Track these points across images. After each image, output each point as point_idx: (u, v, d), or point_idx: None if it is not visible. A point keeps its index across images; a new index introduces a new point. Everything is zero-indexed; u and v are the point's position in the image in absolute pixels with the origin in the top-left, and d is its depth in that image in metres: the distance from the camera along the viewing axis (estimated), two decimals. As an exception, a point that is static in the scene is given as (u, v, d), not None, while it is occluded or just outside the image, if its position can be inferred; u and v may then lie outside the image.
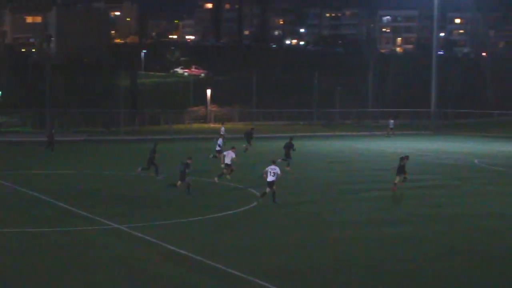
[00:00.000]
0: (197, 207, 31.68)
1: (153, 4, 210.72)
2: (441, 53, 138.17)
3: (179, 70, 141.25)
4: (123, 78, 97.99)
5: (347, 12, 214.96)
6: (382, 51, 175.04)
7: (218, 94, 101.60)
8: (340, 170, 47.29)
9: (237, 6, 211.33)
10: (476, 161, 54.60)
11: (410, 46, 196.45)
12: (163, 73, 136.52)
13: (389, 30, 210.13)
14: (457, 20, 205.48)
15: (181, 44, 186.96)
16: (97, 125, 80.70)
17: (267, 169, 32.39)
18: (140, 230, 26.35)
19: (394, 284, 20.38)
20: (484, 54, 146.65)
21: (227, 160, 39.70)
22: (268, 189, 32.46)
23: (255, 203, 32.58)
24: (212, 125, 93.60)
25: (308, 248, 24.41)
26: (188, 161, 35.16)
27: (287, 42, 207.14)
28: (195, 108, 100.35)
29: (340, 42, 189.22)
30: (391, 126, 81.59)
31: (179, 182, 34.80)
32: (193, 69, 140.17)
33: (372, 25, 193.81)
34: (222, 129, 62.38)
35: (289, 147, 46.31)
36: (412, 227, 28.38)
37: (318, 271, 21.37)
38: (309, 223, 28.78)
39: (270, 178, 32.23)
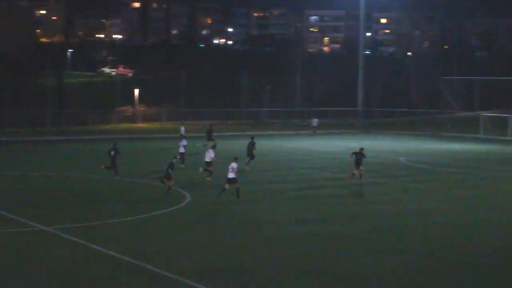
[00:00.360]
0: (127, 208, 31.49)
1: (80, 2, 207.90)
2: (367, 52, 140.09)
3: (106, 70, 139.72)
4: (50, 77, 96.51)
5: (275, 12, 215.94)
6: (310, 50, 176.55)
7: (146, 94, 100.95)
8: (268, 170, 47.53)
9: (164, 5, 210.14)
10: (402, 159, 55.58)
11: (337, 46, 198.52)
12: (90, 73, 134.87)
13: (316, 30, 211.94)
14: (383, 20, 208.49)
15: (109, 43, 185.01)
16: (23, 125, 79.24)
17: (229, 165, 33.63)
18: (68, 231, 26.05)
19: (316, 283, 20.58)
20: (409, 53, 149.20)
21: (207, 158, 40.15)
22: (227, 186, 33.52)
23: (184, 203, 32.60)
24: (140, 124, 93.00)
25: (237, 247, 24.50)
26: (174, 160, 35.72)
27: (215, 41, 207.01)
28: (123, 108, 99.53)
29: (268, 41, 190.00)
30: (315, 124, 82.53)
31: (170, 182, 34.84)
32: (120, 69, 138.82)
33: (299, 24, 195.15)
34: (182, 129, 62.52)
35: (251, 147, 47.40)
36: (338, 225, 28.73)
37: (245, 270, 21.49)
38: (239, 223, 28.90)
39: (230, 175, 33.31)
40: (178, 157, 46.55)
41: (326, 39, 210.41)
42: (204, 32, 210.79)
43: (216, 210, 31.54)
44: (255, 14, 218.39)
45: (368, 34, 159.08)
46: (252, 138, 49.07)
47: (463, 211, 32.71)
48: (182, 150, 47.91)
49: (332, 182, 41.78)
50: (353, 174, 41.16)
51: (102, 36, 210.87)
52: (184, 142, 48.69)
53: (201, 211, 31.30)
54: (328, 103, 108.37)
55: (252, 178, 42.91)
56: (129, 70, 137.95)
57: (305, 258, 23.06)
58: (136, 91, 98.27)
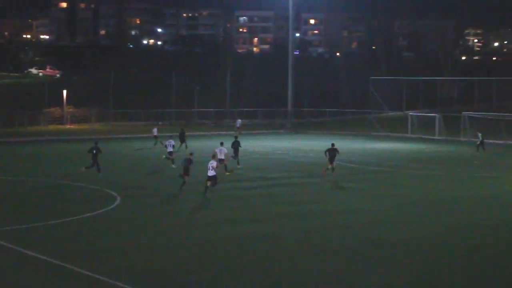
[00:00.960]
0: (57, 210, 30.94)
1: (5, 2, 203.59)
2: (296, 53, 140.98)
3: (33, 71, 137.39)
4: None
5: (204, 12, 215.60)
6: (240, 51, 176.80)
7: (74, 95, 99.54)
8: (199, 170, 47.29)
9: (92, 5, 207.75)
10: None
11: (266, 46, 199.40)
12: (16, 74, 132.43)
13: (246, 31, 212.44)
14: (312, 21, 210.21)
15: (36, 43, 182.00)
16: None
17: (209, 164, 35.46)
18: (-5, 236, 25.45)
19: (246, 282, 20.54)
20: (338, 54, 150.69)
21: (221, 156, 41.19)
22: (208, 183, 35.07)
23: (114, 205, 32.21)
24: (68, 126, 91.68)
25: (168, 248, 24.29)
26: (190, 157, 37.51)
27: (145, 42, 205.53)
28: (51, 109, 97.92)
29: (197, 42, 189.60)
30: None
31: (187, 177, 36.66)
32: (48, 70, 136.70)
33: (228, 25, 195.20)
34: (155, 130, 64.73)
35: (237, 146, 48.85)
36: (269, 225, 28.71)
37: (175, 271, 21.32)
38: (169, 224, 28.66)
39: (210, 173, 35.09)
40: (165, 156, 48.91)
41: (255, 39, 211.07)
42: (133, 32, 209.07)
43: (146, 212, 31.24)
44: (184, 15, 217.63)
45: (297, 34, 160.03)
46: (236, 137, 51.11)
47: (392, 209, 33.04)
48: (170, 149, 48.81)
49: (264, 182, 41.82)
50: (327, 168, 43.44)
51: (29, 36, 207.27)
52: (172, 142, 49.52)
53: (131, 212, 30.98)
54: (258, 103, 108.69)
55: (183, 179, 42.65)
56: (57, 71, 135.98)
57: (236, 258, 22.98)
58: (65, 92, 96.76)
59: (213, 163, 35.46)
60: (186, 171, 36.66)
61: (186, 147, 58.73)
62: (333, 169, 43.77)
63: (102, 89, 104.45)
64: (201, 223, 28.70)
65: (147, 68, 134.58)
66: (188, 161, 37.06)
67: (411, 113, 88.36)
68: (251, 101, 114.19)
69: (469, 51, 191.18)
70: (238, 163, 48.19)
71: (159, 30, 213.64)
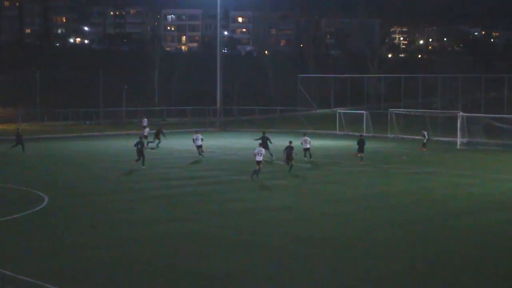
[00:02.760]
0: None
1: None
2: (225, 51, 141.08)
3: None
4: None
5: (132, 11, 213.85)
6: (168, 49, 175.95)
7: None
8: (128, 169, 47.01)
9: (17, 3, 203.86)
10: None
11: (195, 45, 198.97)
12: None
13: (174, 29, 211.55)
14: (240, 19, 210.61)
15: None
16: None
17: (255, 151, 42.05)
18: None
19: (174, 282, 20.54)
20: (266, 52, 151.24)
21: (259, 158, 42.41)
22: (258, 167, 41.46)
23: (42, 205, 31.78)
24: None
25: (98, 248, 24.10)
26: (291, 144, 45.20)
27: (71, 40, 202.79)
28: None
29: (125, 40, 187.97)
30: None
31: (291, 161, 44.61)
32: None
33: (156, 23, 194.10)
34: (145, 120, 68.76)
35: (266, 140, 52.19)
36: (198, 223, 28.72)
37: (105, 271, 21.20)
38: (100, 223, 28.40)
39: (258, 158, 41.55)
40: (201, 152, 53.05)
41: (183, 38, 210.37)
42: (59, 31, 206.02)
43: (75, 212, 30.91)
44: (112, 13, 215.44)
45: (226, 33, 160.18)
46: (264, 133, 54.43)
47: (321, 206, 33.39)
48: (199, 143, 53.36)
49: (194, 181, 41.80)
50: (289, 165, 45.48)
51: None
52: (200, 136, 53.93)
53: (59, 213, 30.61)
54: (188, 101, 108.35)
55: (113, 177, 42.35)
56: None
57: (164, 257, 22.94)
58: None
59: (261, 150, 42.14)
60: (289, 156, 44.56)
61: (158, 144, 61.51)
62: (292, 166, 45.30)
63: (29, 88, 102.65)
64: (129, 223, 28.52)
65: (75, 67, 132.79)
66: (290, 148, 44.77)
67: (339, 110, 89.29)
68: (180, 100, 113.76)
69: (396, 48, 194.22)
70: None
71: (86, 28, 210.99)
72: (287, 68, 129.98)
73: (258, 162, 41.80)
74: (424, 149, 62.08)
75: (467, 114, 72.04)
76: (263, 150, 43.02)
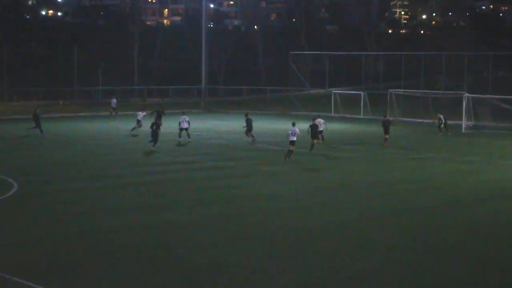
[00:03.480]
0: None
1: None
2: (211, 25, 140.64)
3: None
4: None
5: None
6: (148, 23, 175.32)
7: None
8: (104, 154, 46.98)
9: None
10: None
11: (178, 18, 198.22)
12: None
13: (155, 1, 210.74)
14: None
15: None
16: None
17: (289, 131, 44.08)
18: None
19: (155, 275, 20.58)
20: (255, 27, 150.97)
21: (293, 138, 44.01)
22: (291, 147, 43.46)
23: (10, 193, 31.74)
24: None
25: (70, 239, 24.05)
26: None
27: (43, 12, 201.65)
28: None
29: (102, 13, 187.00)
30: (113, 105, 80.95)
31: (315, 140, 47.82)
32: None
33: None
34: (140, 113, 61.35)
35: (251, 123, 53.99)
36: (182, 212, 28.73)
37: (76, 264, 21.21)
38: (74, 212, 28.30)
39: (292, 138, 43.53)
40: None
41: (165, 10, 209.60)
42: (30, 2, 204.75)
43: (45, 200, 30.84)
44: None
45: (211, 5, 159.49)
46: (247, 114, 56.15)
47: (312, 193, 33.48)
48: (185, 125, 53.78)
49: (177, 166, 41.82)
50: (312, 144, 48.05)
51: None
52: (186, 118, 54.26)
53: (27, 202, 30.50)
54: (170, 80, 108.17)
55: (87, 163, 42.32)
56: None
57: (144, 249, 22.94)
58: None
59: (295, 130, 43.80)
60: (315, 136, 47.74)
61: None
62: (313, 145, 47.99)
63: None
64: (107, 211, 28.48)
65: (47, 41, 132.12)
66: (315, 126, 48.49)
67: (334, 90, 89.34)
68: (161, 78, 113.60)
69: (396, 24, 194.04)
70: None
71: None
72: (278, 44, 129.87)
73: (292, 143, 43.42)
74: (440, 133, 62.07)
75: (473, 95, 72.25)
76: (297, 129, 44.35)
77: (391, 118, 53.81)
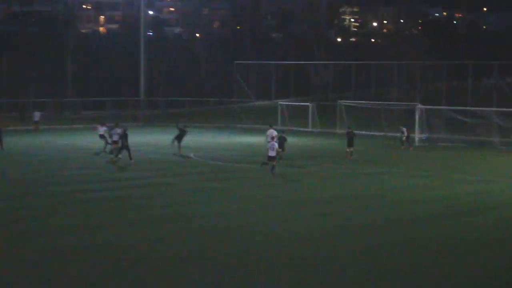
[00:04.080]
0: None
1: None
2: (150, 33, 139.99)
3: None
4: None
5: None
6: (83, 31, 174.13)
7: None
8: (40, 170, 46.33)
9: None
10: (192, 155, 55.92)
11: (115, 26, 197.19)
12: None
13: (90, 7, 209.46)
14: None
15: None
16: None
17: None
18: None
19: None
20: (197, 35, 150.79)
21: (272, 153, 45.13)
22: (273, 162, 44.95)
23: None
24: None
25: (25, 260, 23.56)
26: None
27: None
28: None
29: (33, 20, 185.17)
30: (36, 119, 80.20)
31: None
32: None
33: (70, 1, 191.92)
34: (101, 128, 58.56)
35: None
36: (113, 234, 28.22)
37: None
38: (20, 233, 27.71)
39: (271, 153, 44.67)
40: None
41: (101, 17, 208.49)
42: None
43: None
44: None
45: (151, 12, 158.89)
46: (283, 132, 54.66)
47: (258, 212, 33.25)
48: (115, 138, 52.72)
49: (112, 184, 41.30)
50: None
51: None
52: (118, 130, 52.76)
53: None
54: (107, 92, 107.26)
55: (21, 180, 41.63)
56: None
57: (71, 278, 22.50)
58: None
59: (274, 144, 45.02)
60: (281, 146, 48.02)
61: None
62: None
63: None
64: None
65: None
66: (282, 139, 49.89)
67: (281, 102, 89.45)
68: (98, 90, 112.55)
69: (346, 32, 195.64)
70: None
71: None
72: (221, 53, 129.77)
73: (271, 158, 44.86)
74: (403, 147, 62.44)
75: (427, 107, 72.92)
76: (276, 144, 45.47)
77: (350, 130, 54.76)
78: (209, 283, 21.81)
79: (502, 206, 35.63)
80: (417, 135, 68.09)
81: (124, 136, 51.04)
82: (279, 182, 43.21)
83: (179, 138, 56.26)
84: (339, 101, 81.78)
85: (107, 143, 55.98)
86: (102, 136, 57.64)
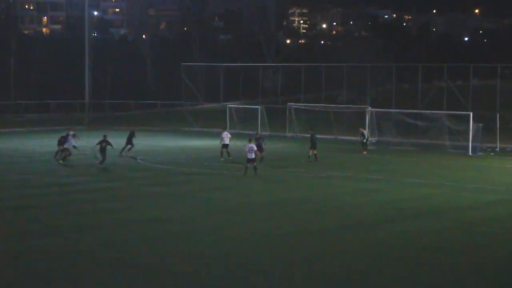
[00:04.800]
0: None
1: None
2: (95, 35, 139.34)
3: None
4: None
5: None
6: (26, 32, 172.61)
7: None
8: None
9: None
10: (138, 158, 55.79)
11: (58, 27, 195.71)
12: None
13: (32, 7, 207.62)
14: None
15: None
16: None
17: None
18: None
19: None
20: (144, 36, 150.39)
21: (252, 155, 46.65)
22: (249, 164, 46.38)
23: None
24: None
25: None
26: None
27: None
28: None
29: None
30: None
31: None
32: None
33: (11, 1, 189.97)
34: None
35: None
36: (61, 238, 28.18)
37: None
38: None
39: (250, 156, 46.07)
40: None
41: (44, 18, 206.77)
42: None
43: None
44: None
45: (95, 13, 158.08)
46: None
47: (205, 216, 33.30)
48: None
49: (57, 189, 41.05)
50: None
51: None
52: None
53: None
54: (50, 94, 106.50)
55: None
56: None
57: (18, 279, 22.49)
58: None
59: (253, 147, 46.36)
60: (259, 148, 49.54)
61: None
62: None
63: None
64: None
65: None
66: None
67: (230, 105, 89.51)
68: (41, 92, 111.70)
69: (295, 33, 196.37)
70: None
71: None
72: (168, 55, 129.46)
73: (250, 160, 46.40)
74: (365, 152, 62.71)
75: (377, 109, 73.51)
76: (254, 146, 47.08)
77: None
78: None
79: (450, 210, 36.05)
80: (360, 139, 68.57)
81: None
82: (229, 186, 43.28)
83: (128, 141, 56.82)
84: (288, 104, 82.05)
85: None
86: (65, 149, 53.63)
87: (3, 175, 46.13)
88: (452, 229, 31.44)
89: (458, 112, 70.33)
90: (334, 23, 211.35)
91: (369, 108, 72.42)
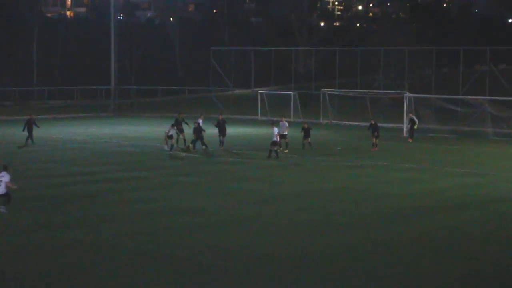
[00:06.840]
0: None
1: None
2: (120, 18, 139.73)
3: None
4: None
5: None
6: (49, 15, 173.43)
7: None
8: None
9: None
10: (165, 147, 55.94)
11: (82, 9, 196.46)
12: None
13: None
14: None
15: None
16: None
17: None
18: None
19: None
20: (171, 19, 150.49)
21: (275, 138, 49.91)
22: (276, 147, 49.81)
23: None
24: None
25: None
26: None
27: None
28: None
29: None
30: None
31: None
32: None
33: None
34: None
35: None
36: (84, 230, 28.44)
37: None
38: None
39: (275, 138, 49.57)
40: None
41: (68, 1, 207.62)
42: None
43: None
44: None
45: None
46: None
47: (237, 207, 33.40)
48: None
49: (82, 178, 41.34)
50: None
51: None
52: None
53: None
54: (75, 80, 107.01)
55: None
56: None
57: (39, 275, 22.71)
58: None
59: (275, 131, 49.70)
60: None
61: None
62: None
63: None
64: (7, 230, 28.04)
65: None
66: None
67: (261, 90, 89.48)
68: (65, 78, 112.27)
69: (329, 15, 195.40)
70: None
71: None
72: (197, 39, 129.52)
73: (274, 143, 49.64)
74: (410, 140, 62.25)
75: (415, 95, 73.17)
76: (276, 129, 50.13)
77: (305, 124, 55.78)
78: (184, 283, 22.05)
79: (493, 201, 35.89)
80: (405, 126, 68.23)
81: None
82: (260, 175, 43.30)
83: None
84: (322, 89, 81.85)
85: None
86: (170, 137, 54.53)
87: (28, 164, 46.38)
88: (493, 220, 31.35)
89: (501, 98, 69.92)
90: (371, 5, 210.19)
91: (407, 94, 72.07)
